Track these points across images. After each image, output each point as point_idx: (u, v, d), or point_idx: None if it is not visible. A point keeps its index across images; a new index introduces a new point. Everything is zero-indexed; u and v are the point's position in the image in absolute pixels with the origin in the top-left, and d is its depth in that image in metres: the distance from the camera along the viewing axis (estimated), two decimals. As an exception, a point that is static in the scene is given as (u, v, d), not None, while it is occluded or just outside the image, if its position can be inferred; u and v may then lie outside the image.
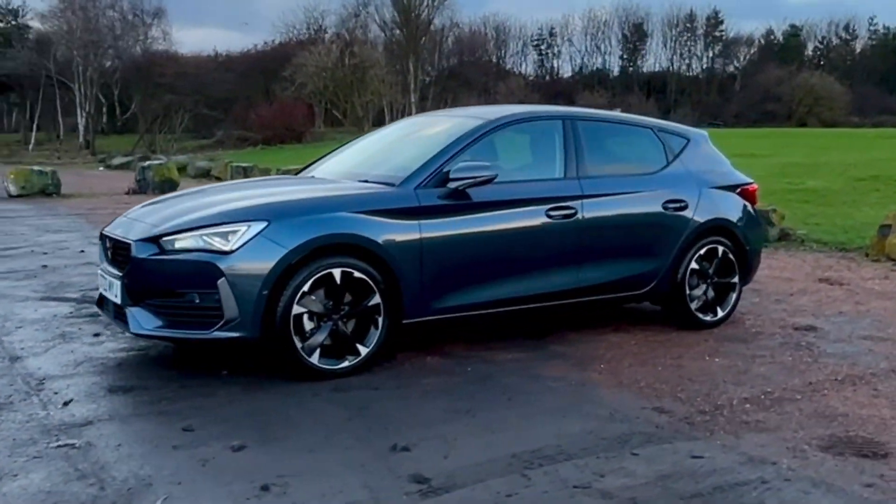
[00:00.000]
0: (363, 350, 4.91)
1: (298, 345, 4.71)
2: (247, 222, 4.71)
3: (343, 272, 4.80)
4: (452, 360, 5.25)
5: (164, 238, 4.77)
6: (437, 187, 5.19)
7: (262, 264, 4.61)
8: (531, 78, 70.26)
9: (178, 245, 4.73)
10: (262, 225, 4.70)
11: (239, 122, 44.65)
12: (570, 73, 73.12)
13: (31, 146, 52.04)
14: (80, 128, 51.91)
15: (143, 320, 4.79)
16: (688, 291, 6.19)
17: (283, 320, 4.65)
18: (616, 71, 72.72)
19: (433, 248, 5.11)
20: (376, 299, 4.92)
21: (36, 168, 19.10)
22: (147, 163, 20.16)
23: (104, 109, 59.03)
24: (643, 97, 63.83)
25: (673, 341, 5.88)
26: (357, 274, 4.84)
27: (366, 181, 5.43)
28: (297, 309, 4.69)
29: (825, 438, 4.00)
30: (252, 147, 41.04)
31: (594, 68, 72.72)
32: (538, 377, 4.94)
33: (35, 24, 53.24)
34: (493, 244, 5.35)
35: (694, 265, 6.19)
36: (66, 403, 4.40)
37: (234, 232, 4.67)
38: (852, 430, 4.11)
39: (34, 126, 54.44)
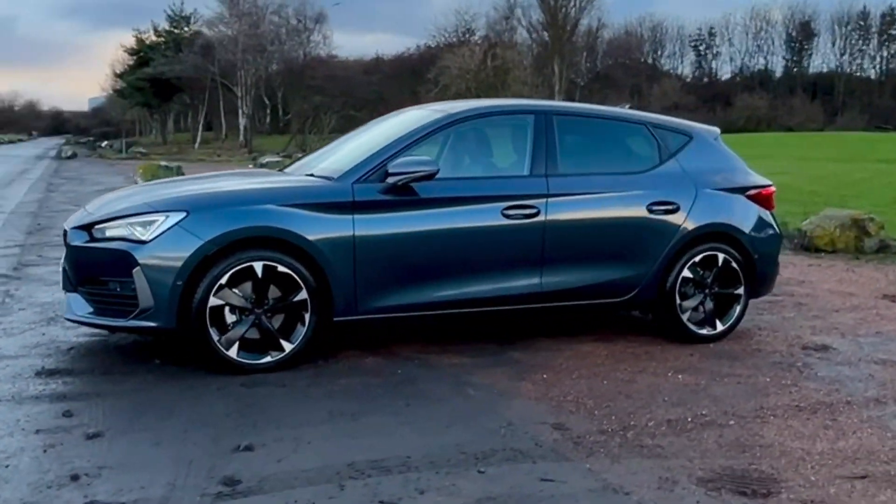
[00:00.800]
0: (287, 346, 4.80)
1: (215, 337, 4.66)
2: (166, 212, 4.72)
3: (265, 266, 4.71)
4: (391, 361, 5.06)
5: (96, 226, 4.86)
6: (379, 182, 5.01)
7: (177, 255, 4.60)
8: (688, 79, 67.86)
9: (107, 233, 4.80)
10: (181, 215, 4.68)
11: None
12: (729, 75, 69.99)
13: (196, 144, 55.42)
14: (241, 128, 54.73)
15: (76, 306, 4.90)
16: (678, 301, 5.69)
17: (199, 312, 4.62)
18: (779, 72, 68.93)
19: (369, 245, 4.93)
20: (303, 295, 4.80)
21: (163, 163, 20.26)
22: (265, 160, 20.94)
23: (268, 111, 62.04)
24: (807, 99, 60.19)
25: (651, 354, 5.42)
26: (281, 268, 4.74)
27: (311, 175, 5.34)
28: (214, 301, 4.64)
29: (715, 470, 3.53)
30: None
31: (755, 69, 69.26)
32: (464, 384, 4.67)
33: (203, 29, 56.57)
34: (438, 242, 5.11)
35: (687, 273, 5.69)
36: (-14, 383, 4.56)
37: (153, 222, 4.69)
38: (757, 464, 3.62)
39: (201, 126, 57.98)
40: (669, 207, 5.63)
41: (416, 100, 48.19)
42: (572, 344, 5.58)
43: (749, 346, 5.73)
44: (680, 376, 4.94)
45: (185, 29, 59.03)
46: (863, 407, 4.46)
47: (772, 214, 6.12)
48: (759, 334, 6.06)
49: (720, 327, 5.81)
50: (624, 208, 5.56)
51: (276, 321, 4.83)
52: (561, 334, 5.80)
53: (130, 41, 61.69)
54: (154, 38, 60.17)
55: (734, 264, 5.80)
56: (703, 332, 5.77)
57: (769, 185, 6.13)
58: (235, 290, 4.71)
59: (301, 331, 4.83)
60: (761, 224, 5.96)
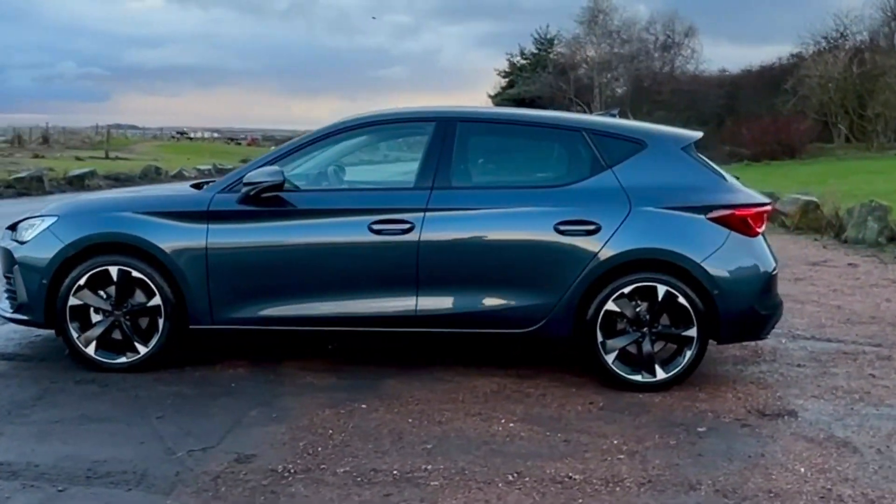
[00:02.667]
0: (142, 349, 4.93)
1: (74, 335, 4.95)
2: (44, 217, 5.12)
3: (120, 270, 4.90)
4: (254, 375, 4.92)
5: (17, 227, 5.40)
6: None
7: (43, 256, 4.95)
8: None
9: (19, 234, 5.31)
10: (52, 220, 5.05)
11: (732, 138, 43.14)
12: None
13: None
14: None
15: (1, 301, 5.48)
16: (600, 339, 4.80)
17: (62, 310, 4.94)
18: None
19: (222, 255, 4.88)
20: (156, 301, 4.90)
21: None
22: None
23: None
24: None
25: (543, 397, 4.66)
26: (135, 273, 4.89)
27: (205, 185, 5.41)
28: (73, 300, 4.92)
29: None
30: (737, 163, 39.31)
31: None
32: (262, 405, 4.40)
33: (563, 50, 58.11)
34: (296, 256, 4.88)
35: (612, 306, 4.78)
36: None
37: (34, 225, 5.12)
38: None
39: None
40: (586, 228, 4.78)
41: (773, 112, 44.84)
42: (475, 377, 4.97)
43: (685, 400, 4.66)
44: (511, 426, 4.19)
45: (549, 51, 61.09)
46: (644, 488, 3.43)
47: (756, 241, 4.89)
48: (735, 389, 4.89)
49: (661, 375, 4.79)
50: (523, 227, 4.83)
51: (142, 323, 4.99)
52: (491, 364, 5.19)
53: (504, 65, 65.58)
54: (521, 60, 63.22)
55: (682, 300, 4.74)
56: (636, 378, 4.80)
57: (751, 205, 4.90)
58: (101, 292, 4.95)
59: (156, 335, 4.93)
60: (729, 252, 4.80)
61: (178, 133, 73.84)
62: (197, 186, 5.53)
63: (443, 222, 4.83)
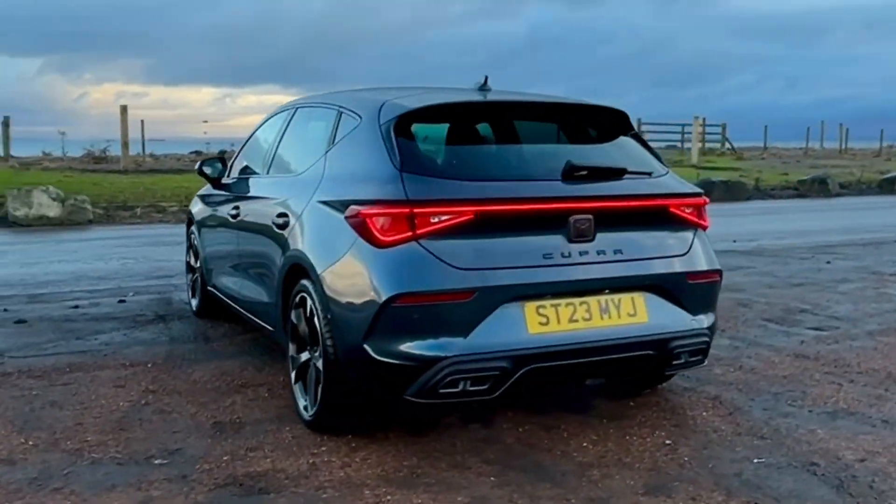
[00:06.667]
0: (194, 303, 6.38)
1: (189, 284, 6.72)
2: None
3: (188, 238, 6.45)
4: (243, 340, 5.74)
5: None
6: (228, 174, 5.87)
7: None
8: None
9: None
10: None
11: None
12: None
13: None
14: None
15: None
16: (291, 352, 4.20)
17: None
18: None
19: (202, 228, 5.99)
20: (196, 262, 6.29)
21: None
22: None
23: None
24: None
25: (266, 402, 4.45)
26: (194, 242, 6.38)
27: None
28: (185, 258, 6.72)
29: None
30: None
31: None
32: (156, 356, 5.38)
33: None
34: (212, 235, 5.70)
35: (293, 316, 4.12)
36: None
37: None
38: None
39: None
40: (283, 220, 4.24)
41: None
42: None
43: (324, 452, 3.75)
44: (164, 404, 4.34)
45: None
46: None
47: (378, 254, 3.46)
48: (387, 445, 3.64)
49: (310, 412, 3.93)
50: (260, 217, 4.64)
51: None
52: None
53: None
54: None
55: (316, 320, 3.82)
56: (303, 405, 4.04)
57: (381, 202, 3.48)
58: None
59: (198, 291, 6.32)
60: (347, 265, 3.61)
61: None
62: None
63: (244, 210, 4.95)
